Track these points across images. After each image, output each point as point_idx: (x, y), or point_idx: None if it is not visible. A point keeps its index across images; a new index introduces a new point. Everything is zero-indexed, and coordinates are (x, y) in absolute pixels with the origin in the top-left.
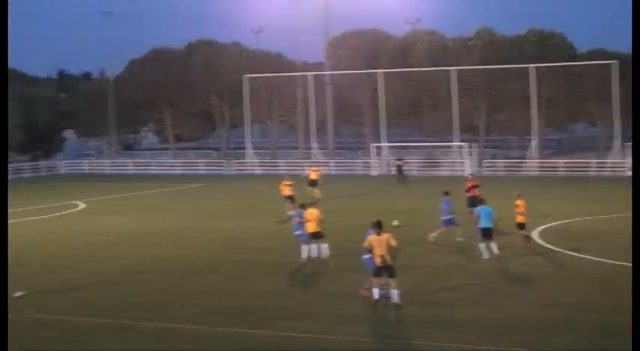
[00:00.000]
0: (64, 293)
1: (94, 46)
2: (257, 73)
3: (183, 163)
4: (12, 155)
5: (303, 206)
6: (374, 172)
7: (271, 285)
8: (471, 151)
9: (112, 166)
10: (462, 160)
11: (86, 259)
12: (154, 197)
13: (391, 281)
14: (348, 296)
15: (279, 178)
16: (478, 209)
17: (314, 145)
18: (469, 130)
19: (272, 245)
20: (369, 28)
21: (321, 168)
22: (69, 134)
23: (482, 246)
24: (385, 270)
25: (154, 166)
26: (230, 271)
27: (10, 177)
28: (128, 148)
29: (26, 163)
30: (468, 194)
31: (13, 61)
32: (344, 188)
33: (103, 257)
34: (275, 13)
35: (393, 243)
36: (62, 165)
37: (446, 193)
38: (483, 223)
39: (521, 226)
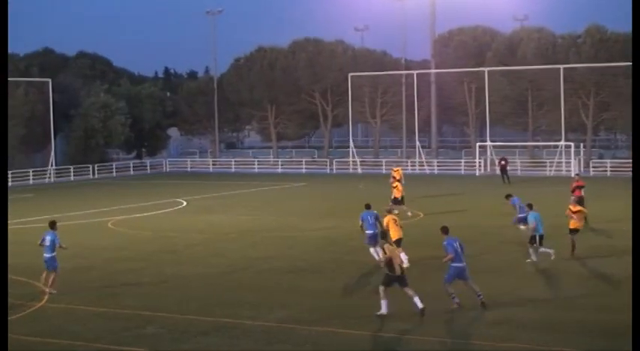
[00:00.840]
0: (165, 289)
1: (200, 45)
2: (361, 72)
3: (285, 161)
4: (118, 153)
5: (368, 207)
6: (478, 172)
7: (366, 284)
8: (577, 151)
9: (214, 164)
10: (568, 161)
11: (188, 257)
12: (255, 196)
13: (407, 290)
14: (439, 297)
15: (382, 177)
16: (531, 216)
17: (417, 144)
18: (576, 130)
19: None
20: (475, 25)
21: (402, 168)
22: (173, 132)
23: (538, 250)
24: (398, 280)
25: (256, 164)
26: (330, 270)
27: (115, 174)
28: (231, 146)
29: (131, 161)
30: (573, 195)
31: (121, 61)
32: (446, 188)
33: (205, 255)
34: (380, 11)
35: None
36: (167, 163)
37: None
38: (539, 230)
39: (573, 231)
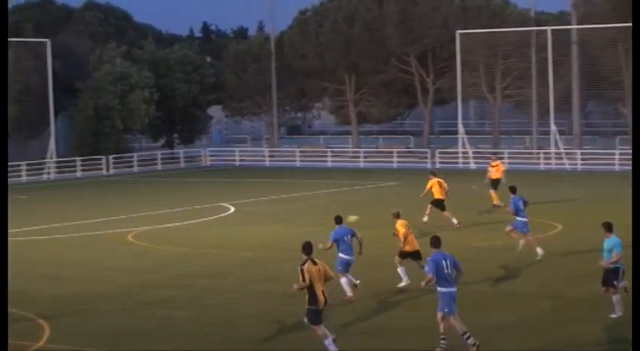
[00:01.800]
0: (206, 327)
1: None
2: (473, 29)
3: (369, 152)
4: (141, 139)
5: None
6: None
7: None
8: None
9: (272, 155)
10: None
11: (236, 282)
12: (327, 199)
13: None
14: None
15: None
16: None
17: (553, 128)
18: None
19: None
20: None
21: (504, 163)
22: (216, 112)
23: None
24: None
25: (330, 156)
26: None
27: (137, 169)
28: (295, 131)
29: (159, 151)
30: None
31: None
32: (593, 189)
33: (258, 279)
34: None
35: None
36: (207, 154)
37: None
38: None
39: None
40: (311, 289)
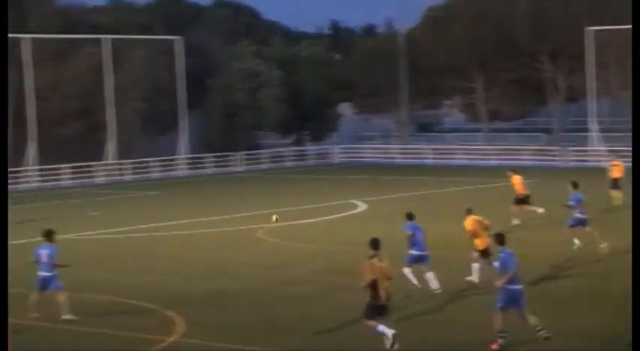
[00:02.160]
0: (340, 324)
1: None
2: (606, 25)
3: (500, 150)
4: (270, 136)
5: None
6: None
7: None
8: None
9: (402, 153)
10: None
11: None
12: (458, 197)
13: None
14: None
15: None
16: None
17: None
18: None
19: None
20: None
21: (623, 161)
22: (345, 109)
23: None
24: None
25: (460, 153)
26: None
27: (267, 166)
28: (425, 128)
29: (288, 149)
30: None
31: (272, 12)
32: None
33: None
34: None
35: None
36: (336, 151)
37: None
38: None
39: None
40: (373, 285)
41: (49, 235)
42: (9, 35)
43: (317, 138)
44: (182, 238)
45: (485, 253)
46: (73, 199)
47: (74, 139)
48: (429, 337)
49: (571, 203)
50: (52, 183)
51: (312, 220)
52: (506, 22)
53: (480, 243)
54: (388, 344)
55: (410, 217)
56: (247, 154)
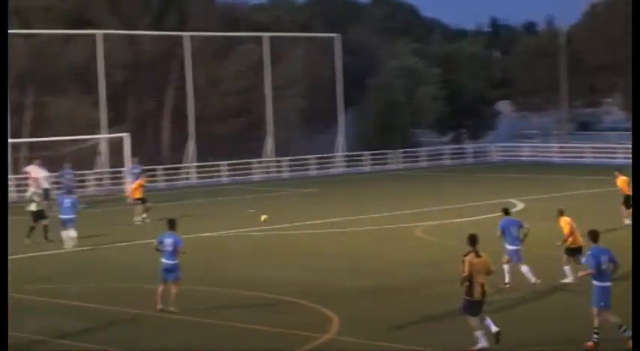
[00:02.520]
0: (502, 325)
1: None
2: None
3: None
4: (428, 134)
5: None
6: None
7: None
8: None
9: (561, 151)
10: None
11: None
12: (618, 197)
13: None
14: None
15: None
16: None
17: None
18: None
19: None
20: None
21: None
22: (504, 107)
23: None
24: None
25: (621, 152)
26: None
27: (425, 164)
28: (585, 127)
29: (446, 147)
30: None
31: (431, 9)
32: None
33: (552, 276)
34: None
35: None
36: (494, 149)
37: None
38: None
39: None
40: (470, 280)
41: (172, 224)
42: (170, 33)
43: (475, 136)
44: (338, 235)
45: (578, 252)
46: (230, 195)
47: (232, 136)
48: (522, 334)
49: None
50: (210, 180)
51: (470, 218)
52: None
53: (573, 243)
54: (485, 341)
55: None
56: (405, 152)
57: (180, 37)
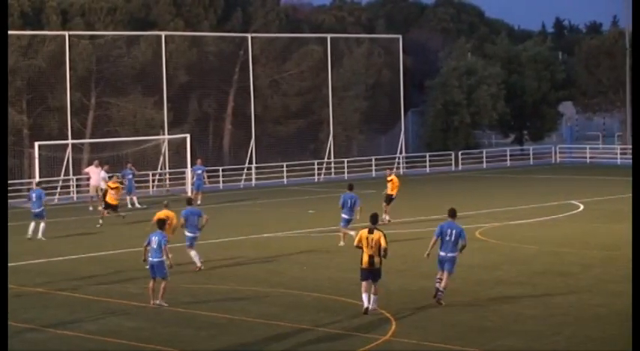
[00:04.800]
0: (553, 326)
1: None
2: None
3: None
4: (490, 135)
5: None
6: None
7: None
8: None
9: (623, 153)
10: None
11: (585, 282)
12: None
13: (373, 286)
14: None
15: None
16: None
17: None
18: None
19: None
20: None
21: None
22: (567, 108)
23: None
24: (372, 275)
25: None
26: None
27: (485, 165)
28: None
29: (508, 148)
30: None
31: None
32: None
33: (608, 279)
34: None
35: (384, 243)
36: (557, 151)
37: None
38: None
39: None
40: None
41: (161, 224)
42: (233, 34)
43: (537, 137)
44: (401, 236)
45: None
46: (291, 196)
47: (293, 137)
48: None
49: None
50: (270, 181)
51: (531, 220)
52: None
53: None
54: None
55: None
56: (466, 153)
57: (244, 39)
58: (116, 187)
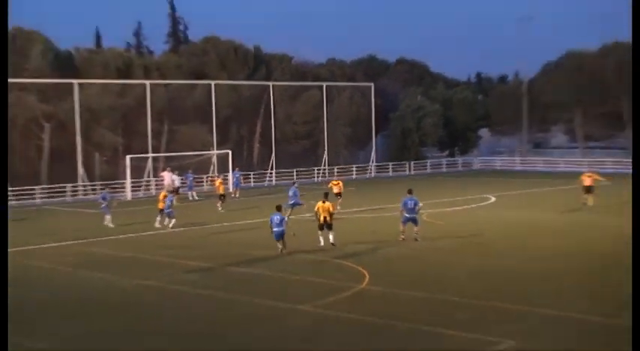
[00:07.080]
0: (470, 279)
1: (511, 50)
2: None
3: (590, 161)
4: (432, 151)
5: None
6: None
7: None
8: None
9: (522, 163)
10: None
11: (493, 249)
12: (559, 194)
13: (330, 232)
14: None
15: None
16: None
17: None
18: None
19: None
20: None
21: (595, 172)
22: (484, 133)
23: None
24: (327, 226)
25: (562, 164)
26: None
27: (429, 171)
28: (538, 146)
29: (444, 159)
30: None
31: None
32: None
33: (508, 247)
34: None
35: (332, 209)
36: (477, 161)
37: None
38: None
39: None
40: (319, 214)
41: (279, 208)
42: (260, 82)
43: (464, 152)
44: (366, 218)
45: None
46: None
47: (300, 152)
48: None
49: None
50: (285, 181)
51: (460, 207)
52: (599, 71)
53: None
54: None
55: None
56: (416, 163)
57: (267, 86)
58: (219, 184)
